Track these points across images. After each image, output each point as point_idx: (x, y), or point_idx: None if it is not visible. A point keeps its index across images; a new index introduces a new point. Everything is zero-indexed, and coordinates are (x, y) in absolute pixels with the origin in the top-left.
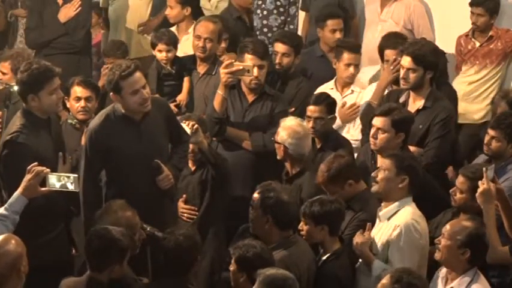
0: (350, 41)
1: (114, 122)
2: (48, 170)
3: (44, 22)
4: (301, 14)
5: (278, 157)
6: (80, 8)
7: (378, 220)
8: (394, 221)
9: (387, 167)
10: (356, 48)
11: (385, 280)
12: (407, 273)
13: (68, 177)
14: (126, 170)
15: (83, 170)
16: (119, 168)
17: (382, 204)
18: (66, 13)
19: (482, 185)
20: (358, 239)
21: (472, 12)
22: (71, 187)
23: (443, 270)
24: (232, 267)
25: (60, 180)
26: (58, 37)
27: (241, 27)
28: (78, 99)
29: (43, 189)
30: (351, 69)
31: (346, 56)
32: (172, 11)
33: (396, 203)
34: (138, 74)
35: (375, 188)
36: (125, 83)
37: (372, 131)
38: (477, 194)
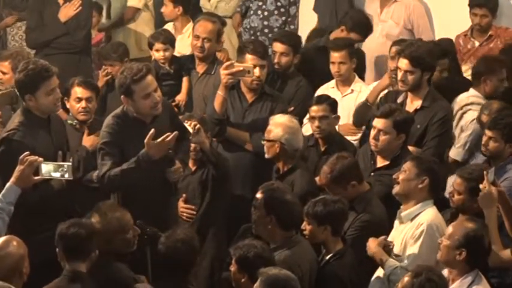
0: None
1: (126, 124)
2: (41, 159)
3: (44, 22)
4: (302, 15)
5: (269, 155)
6: (80, 8)
7: (397, 222)
8: (418, 220)
9: (408, 168)
10: (337, 47)
11: (406, 277)
12: (428, 269)
13: (62, 165)
14: None
15: (100, 167)
16: None
17: (402, 206)
18: (66, 12)
19: (483, 188)
20: (372, 244)
21: (474, 14)
22: (65, 176)
23: (445, 271)
24: (233, 268)
25: (53, 169)
26: (58, 37)
27: None
28: (79, 100)
29: (36, 178)
30: (335, 67)
31: (331, 55)
32: (166, 8)
33: (418, 205)
34: (149, 78)
35: (395, 189)
36: (137, 87)
37: (373, 132)
38: (479, 198)
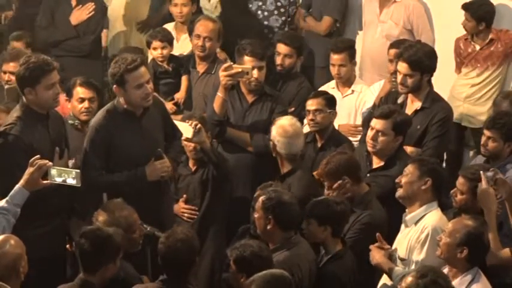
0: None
1: (116, 117)
2: (50, 163)
3: (55, 22)
4: None
5: (273, 154)
6: (92, 12)
7: (403, 226)
8: (423, 224)
9: (410, 171)
10: (337, 50)
11: (410, 277)
12: (433, 270)
13: (70, 172)
14: (127, 164)
15: (82, 165)
16: (120, 163)
17: (407, 209)
18: (78, 16)
19: (480, 187)
20: (376, 254)
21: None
22: (72, 182)
23: (445, 269)
24: (231, 269)
25: (61, 175)
26: (67, 39)
27: None
28: (82, 100)
29: (44, 182)
30: (335, 69)
31: (331, 56)
32: (185, 8)
33: (422, 207)
34: (143, 69)
35: (399, 192)
36: (130, 77)
37: (371, 133)
38: (478, 196)
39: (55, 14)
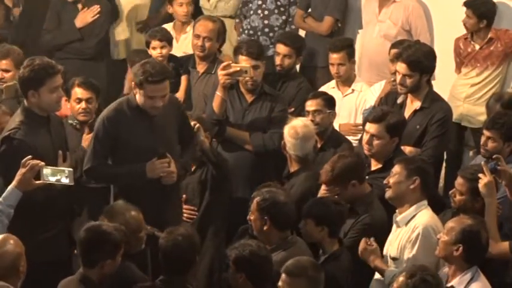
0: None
1: (128, 112)
2: (42, 163)
3: (61, 25)
4: None
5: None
6: (97, 15)
7: (394, 226)
8: (413, 223)
9: (397, 171)
10: (336, 49)
11: (401, 277)
12: (422, 269)
13: (63, 171)
14: (135, 159)
15: (89, 156)
16: (127, 157)
17: (397, 210)
18: (83, 18)
19: (484, 178)
20: (371, 257)
21: (466, 13)
22: (65, 181)
23: (445, 269)
24: (230, 269)
25: (54, 174)
26: (71, 42)
27: None
28: (79, 100)
29: (37, 182)
30: (334, 69)
31: (330, 56)
32: (191, 7)
33: (413, 207)
34: (164, 84)
35: (388, 193)
36: (149, 87)
37: (366, 137)
38: (480, 186)
39: (61, 17)
